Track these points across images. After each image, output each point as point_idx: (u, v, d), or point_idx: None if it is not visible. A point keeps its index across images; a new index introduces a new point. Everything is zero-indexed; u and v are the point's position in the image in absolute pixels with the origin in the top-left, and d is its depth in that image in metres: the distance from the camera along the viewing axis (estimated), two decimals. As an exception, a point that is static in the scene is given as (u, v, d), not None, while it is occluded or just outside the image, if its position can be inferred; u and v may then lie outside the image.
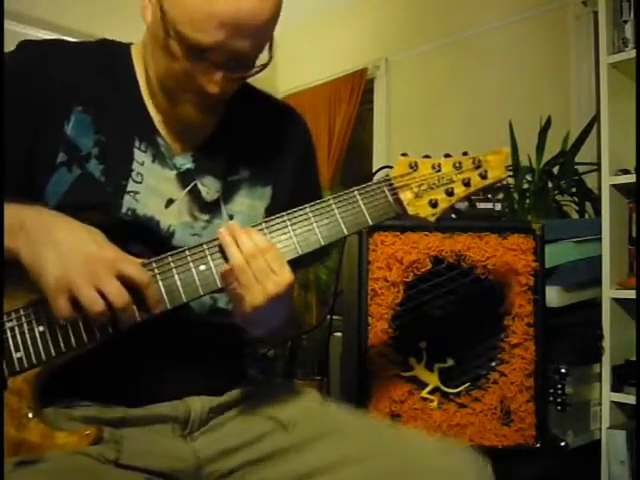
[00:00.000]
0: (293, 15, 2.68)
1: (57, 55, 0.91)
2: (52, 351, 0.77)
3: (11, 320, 0.77)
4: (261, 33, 0.85)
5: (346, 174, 3.97)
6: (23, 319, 0.78)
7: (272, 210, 0.96)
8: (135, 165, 0.89)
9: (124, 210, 0.87)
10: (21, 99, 0.87)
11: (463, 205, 1.49)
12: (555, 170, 2.33)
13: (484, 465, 0.83)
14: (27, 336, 0.77)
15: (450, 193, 0.90)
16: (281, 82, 4.13)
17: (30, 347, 0.77)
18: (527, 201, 2.23)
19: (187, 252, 0.81)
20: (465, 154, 0.93)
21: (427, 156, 0.92)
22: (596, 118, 2.11)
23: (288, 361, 2.58)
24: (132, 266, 0.76)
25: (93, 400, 0.85)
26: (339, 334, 1.94)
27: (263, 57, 0.89)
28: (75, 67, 0.91)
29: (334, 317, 1.88)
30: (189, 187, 0.92)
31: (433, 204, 0.89)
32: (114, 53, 0.96)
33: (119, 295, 0.74)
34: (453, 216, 0.93)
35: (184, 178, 0.92)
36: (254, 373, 1.03)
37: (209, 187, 0.93)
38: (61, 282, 0.73)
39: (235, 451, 0.87)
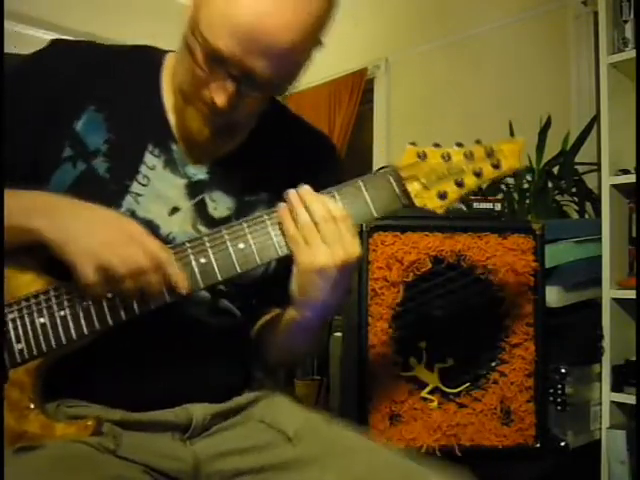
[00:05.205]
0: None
1: (80, 55, 0.91)
2: (52, 342, 0.78)
3: (12, 312, 0.78)
4: (283, 58, 0.79)
5: (346, 174, 3.97)
6: (24, 311, 0.78)
7: None
8: (143, 168, 0.88)
9: (123, 210, 0.86)
10: (32, 96, 0.87)
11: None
12: (555, 170, 2.33)
13: None
14: (28, 327, 0.77)
15: (460, 184, 0.85)
16: (281, 82, 4.13)
17: (31, 338, 0.77)
18: (527, 201, 2.23)
19: (224, 231, 0.81)
20: (478, 142, 0.88)
21: (437, 144, 0.87)
22: (596, 118, 2.11)
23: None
24: (154, 242, 0.77)
25: (93, 401, 0.84)
26: (339, 334, 1.94)
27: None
28: (96, 68, 0.90)
29: (334, 317, 1.88)
30: (196, 199, 0.90)
31: (442, 195, 0.85)
32: (143, 58, 0.95)
33: (144, 256, 0.74)
34: (462, 206, 0.88)
35: (193, 189, 0.90)
36: (261, 375, 1.01)
37: (217, 203, 0.91)
38: (88, 251, 0.74)
39: (236, 454, 0.86)
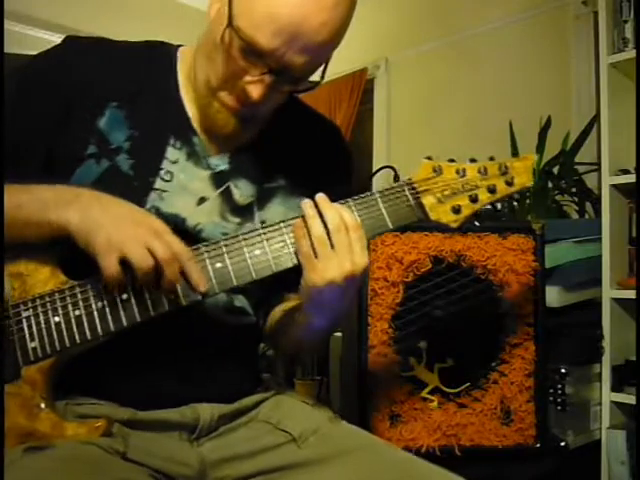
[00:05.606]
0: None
1: (96, 52, 0.92)
2: (66, 342, 0.77)
3: (27, 310, 0.78)
4: (318, 53, 0.83)
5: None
6: (39, 309, 0.78)
7: None
8: (165, 164, 0.89)
9: (147, 207, 0.87)
10: (54, 91, 0.87)
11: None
12: (555, 170, 2.33)
13: None
14: (42, 326, 0.77)
15: (474, 199, 0.87)
16: (281, 82, 4.12)
17: (45, 337, 0.77)
18: (527, 201, 2.23)
19: (241, 237, 0.81)
20: (492, 159, 0.90)
21: (452, 160, 0.89)
22: (596, 118, 2.11)
23: (288, 360, 2.57)
24: (176, 239, 0.77)
25: (104, 399, 0.84)
26: (339, 334, 1.94)
27: (313, 77, 0.87)
28: (113, 64, 0.91)
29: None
30: (222, 188, 0.92)
31: (456, 210, 0.86)
32: (157, 53, 0.96)
33: (166, 250, 0.75)
34: (476, 223, 0.89)
35: (218, 179, 0.92)
36: (267, 376, 1.02)
37: (242, 190, 0.93)
38: (112, 241, 0.74)
39: (242, 458, 0.87)
